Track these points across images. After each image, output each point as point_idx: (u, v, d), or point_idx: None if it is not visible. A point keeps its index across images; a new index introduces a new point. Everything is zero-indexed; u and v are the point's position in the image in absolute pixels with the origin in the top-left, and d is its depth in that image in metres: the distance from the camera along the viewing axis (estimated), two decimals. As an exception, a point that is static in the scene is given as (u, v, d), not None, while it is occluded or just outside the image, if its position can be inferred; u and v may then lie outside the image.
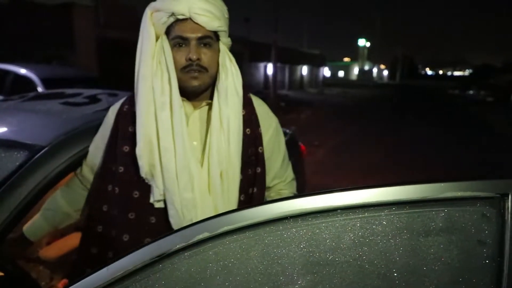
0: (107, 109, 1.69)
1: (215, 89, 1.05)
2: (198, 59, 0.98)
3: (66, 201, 1.31)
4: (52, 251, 2.00)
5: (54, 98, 1.85)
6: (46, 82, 4.80)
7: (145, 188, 1.04)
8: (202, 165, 1.03)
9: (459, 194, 0.59)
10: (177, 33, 0.99)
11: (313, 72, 39.34)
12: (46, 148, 1.28)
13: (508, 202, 0.59)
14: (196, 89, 1.02)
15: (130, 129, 1.07)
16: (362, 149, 7.97)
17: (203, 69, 1.01)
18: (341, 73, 71.05)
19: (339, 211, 0.59)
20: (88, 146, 1.31)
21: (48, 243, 2.04)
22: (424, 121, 13.98)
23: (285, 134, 3.51)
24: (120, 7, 12.73)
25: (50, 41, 9.73)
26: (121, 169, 1.07)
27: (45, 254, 1.95)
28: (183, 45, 1.00)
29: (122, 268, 0.62)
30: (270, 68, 25.95)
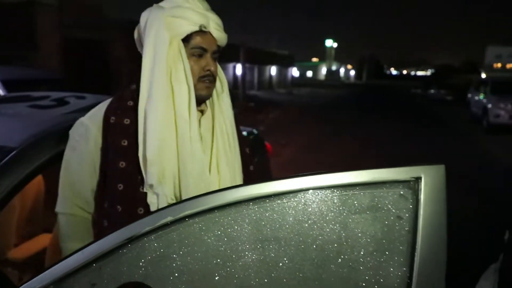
0: (76, 111, 1.74)
1: (216, 97, 1.14)
2: (214, 70, 1.07)
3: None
4: (21, 252, 2.01)
5: (21, 101, 1.87)
6: (5, 84, 4.67)
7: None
8: (210, 169, 1.06)
9: (382, 178, 0.72)
10: (198, 43, 1.04)
11: (282, 72, 39.76)
12: (15, 151, 1.31)
13: (421, 184, 0.71)
14: (208, 97, 1.09)
15: (123, 143, 1.03)
16: (329, 147, 8.23)
17: (214, 79, 1.09)
18: (309, 73, 72.02)
19: (283, 195, 0.70)
20: (57, 149, 1.34)
21: (16, 245, 2.05)
22: (389, 119, 14.52)
23: (251, 133, 3.63)
24: (85, 7, 12.44)
25: (11, 41, 9.39)
26: (121, 186, 1.02)
27: (13, 255, 1.96)
28: (198, 56, 1.06)
29: (96, 250, 0.71)
30: (239, 69, 26.07)
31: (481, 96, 13.65)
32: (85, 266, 0.71)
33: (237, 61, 24.79)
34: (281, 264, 0.71)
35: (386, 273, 0.69)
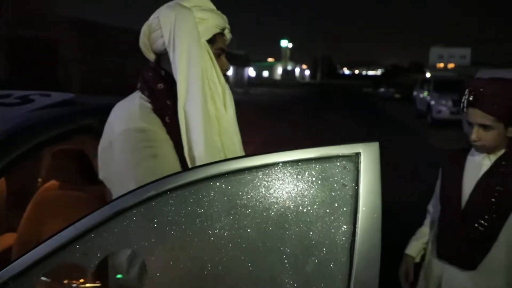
0: (42, 109, 1.77)
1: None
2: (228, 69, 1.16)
3: None
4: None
5: (-17, 100, 1.87)
6: None
7: None
8: None
9: (330, 154, 0.87)
10: (220, 45, 1.13)
11: (239, 72, 39.94)
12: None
13: (360, 158, 0.88)
14: None
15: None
16: (287, 144, 8.50)
17: (227, 78, 1.18)
18: (265, 73, 72.72)
19: (246, 171, 0.84)
20: (25, 147, 1.38)
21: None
22: (343, 117, 15.13)
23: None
24: (30, 3, 11.89)
25: None
26: None
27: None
28: (219, 56, 1.13)
29: (86, 224, 0.81)
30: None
31: (425, 94, 14.60)
32: (78, 237, 0.81)
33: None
34: (249, 230, 0.85)
35: (335, 230, 0.85)
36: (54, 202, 2.09)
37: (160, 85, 1.09)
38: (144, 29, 1.13)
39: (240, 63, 39.20)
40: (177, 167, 1.03)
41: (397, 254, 1.85)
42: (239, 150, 1.10)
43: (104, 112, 2.10)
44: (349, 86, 52.97)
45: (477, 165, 1.50)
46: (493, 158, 1.48)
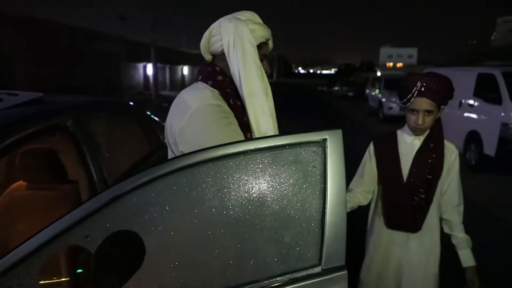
0: (13, 107, 1.78)
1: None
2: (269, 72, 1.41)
3: None
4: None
5: None
6: None
7: None
8: None
9: (301, 140, 1.01)
10: (264, 52, 1.38)
11: (194, 72, 39.55)
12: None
13: (327, 143, 1.02)
14: None
15: (245, 119, 1.30)
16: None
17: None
18: (222, 73, 72.39)
19: (230, 157, 0.96)
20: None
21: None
22: (301, 115, 15.50)
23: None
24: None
25: None
26: None
27: None
28: (262, 60, 1.38)
29: (87, 208, 0.89)
30: (150, 69, 25.36)
31: (377, 92, 15.32)
32: (80, 221, 0.88)
33: (148, 60, 24.12)
34: (231, 206, 0.96)
35: (308, 205, 0.99)
36: (22, 203, 2.08)
37: (220, 77, 1.34)
38: (206, 34, 1.39)
39: (196, 62, 38.87)
40: (242, 135, 1.29)
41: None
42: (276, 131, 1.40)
43: (76, 111, 2.13)
44: (305, 84, 54.16)
45: (410, 146, 1.82)
46: (422, 138, 1.79)
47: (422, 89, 1.66)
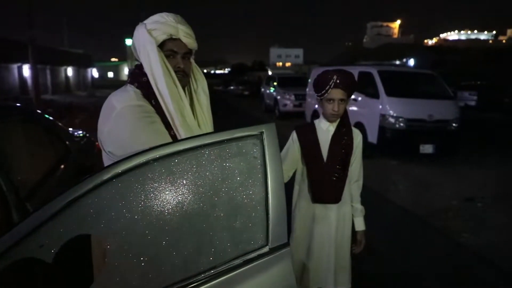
0: None
1: (192, 90, 1.51)
2: (183, 67, 1.41)
3: None
4: None
5: None
6: None
7: None
8: None
9: (242, 134, 1.10)
10: (169, 47, 1.39)
11: (80, 74, 36.59)
12: None
13: (264, 135, 1.13)
14: (183, 87, 1.41)
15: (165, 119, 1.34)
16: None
17: (185, 75, 1.43)
18: (110, 74, 68.25)
19: (179, 153, 1.01)
20: None
21: None
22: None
23: (83, 136, 3.58)
24: None
25: None
26: None
27: None
28: (171, 57, 1.40)
29: (73, 192, 0.88)
30: (26, 70, 22.66)
31: (272, 90, 16.12)
32: (69, 204, 0.87)
33: (24, 61, 21.50)
34: (185, 200, 1.02)
35: (253, 192, 1.09)
36: None
37: (145, 78, 1.38)
38: (132, 43, 1.44)
39: (81, 63, 35.97)
40: (166, 132, 1.33)
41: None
42: (210, 124, 1.50)
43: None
44: (200, 85, 53.89)
45: (326, 132, 2.14)
46: (335, 124, 2.13)
47: (338, 81, 1.98)
